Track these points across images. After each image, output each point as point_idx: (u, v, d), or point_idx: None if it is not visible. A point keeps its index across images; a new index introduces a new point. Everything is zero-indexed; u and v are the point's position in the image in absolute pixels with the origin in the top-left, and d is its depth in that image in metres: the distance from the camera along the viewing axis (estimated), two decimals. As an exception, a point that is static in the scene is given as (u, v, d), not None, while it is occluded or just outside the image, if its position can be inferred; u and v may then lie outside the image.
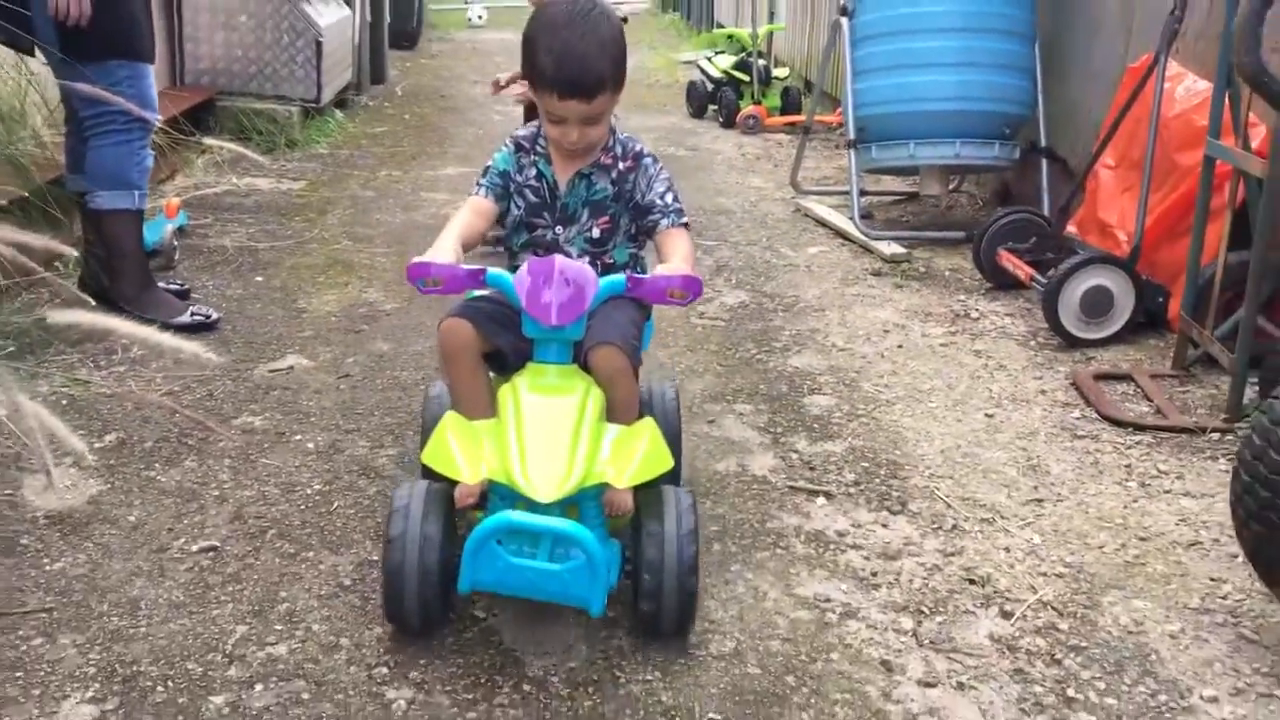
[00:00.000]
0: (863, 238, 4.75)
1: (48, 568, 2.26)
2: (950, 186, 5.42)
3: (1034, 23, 4.76)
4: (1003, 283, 4.18)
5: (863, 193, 5.46)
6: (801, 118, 6.84)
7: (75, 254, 2.97)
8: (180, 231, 4.57)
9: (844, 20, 4.92)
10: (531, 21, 2.19)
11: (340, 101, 7.72)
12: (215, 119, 6.45)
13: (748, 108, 7.64)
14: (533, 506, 1.91)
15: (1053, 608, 2.21)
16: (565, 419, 1.98)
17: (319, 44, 6.70)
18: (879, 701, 1.93)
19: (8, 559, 2.28)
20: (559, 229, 2.30)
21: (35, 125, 4.20)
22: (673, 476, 2.15)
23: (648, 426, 2.08)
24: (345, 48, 7.68)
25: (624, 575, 2.04)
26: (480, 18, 16.40)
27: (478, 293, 2.17)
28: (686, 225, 2.28)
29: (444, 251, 2.08)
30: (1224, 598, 2.23)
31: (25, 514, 2.46)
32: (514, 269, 2.18)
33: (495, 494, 2.02)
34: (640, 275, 2.08)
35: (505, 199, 2.30)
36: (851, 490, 2.68)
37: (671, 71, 10.12)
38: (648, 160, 2.30)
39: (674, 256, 2.19)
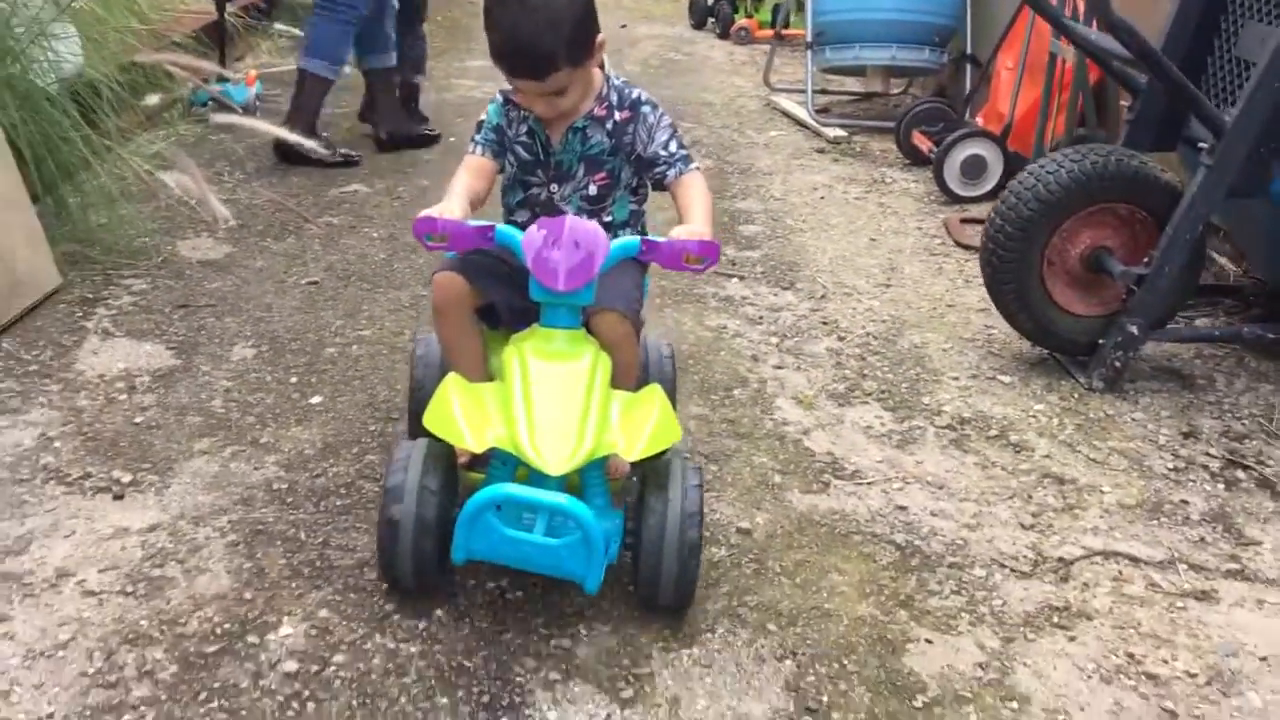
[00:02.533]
0: (813, 123, 5.81)
1: (207, 286, 3.39)
2: (899, 90, 6.45)
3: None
4: (917, 159, 5.24)
5: (825, 92, 6.53)
6: (789, 31, 7.84)
7: (229, 74, 4.10)
8: (259, 98, 5.66)
9: (806, -60, 5.94)
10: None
11: (381, 2, 8.73)
12: (274, 10, 7.48)
13: (741, 20, 8.64)
14: (538, 477, 1.86)
15: (872, 336, 3.33)
16: (575, 387, 1.91)
17: (367, -53, 7.70)
18: (744, 373, 3.06)
19: (180, 281, 3.41)
20: (554, 186, 2.19)
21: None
22: None
23: (656, 395, 2.01)
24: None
25: (624, 547, 1.99)
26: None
27: None
28: (697, 168, 2.18)
29: (452, 207, 2.00)
30: (989, 334, 3.35)
31: (185, 260, 3.58)
32: (513, 225, 2.14)
33: (496, 458, 1.96)
34: (655, 239, 1.99)
35: (503, 155, 2.20)
36: (758, 275, 3.80)
37: (681, -12, 11.07)
38: (646, 109, 2.17)
39: (693, 211, 2.09)
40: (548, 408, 1.88)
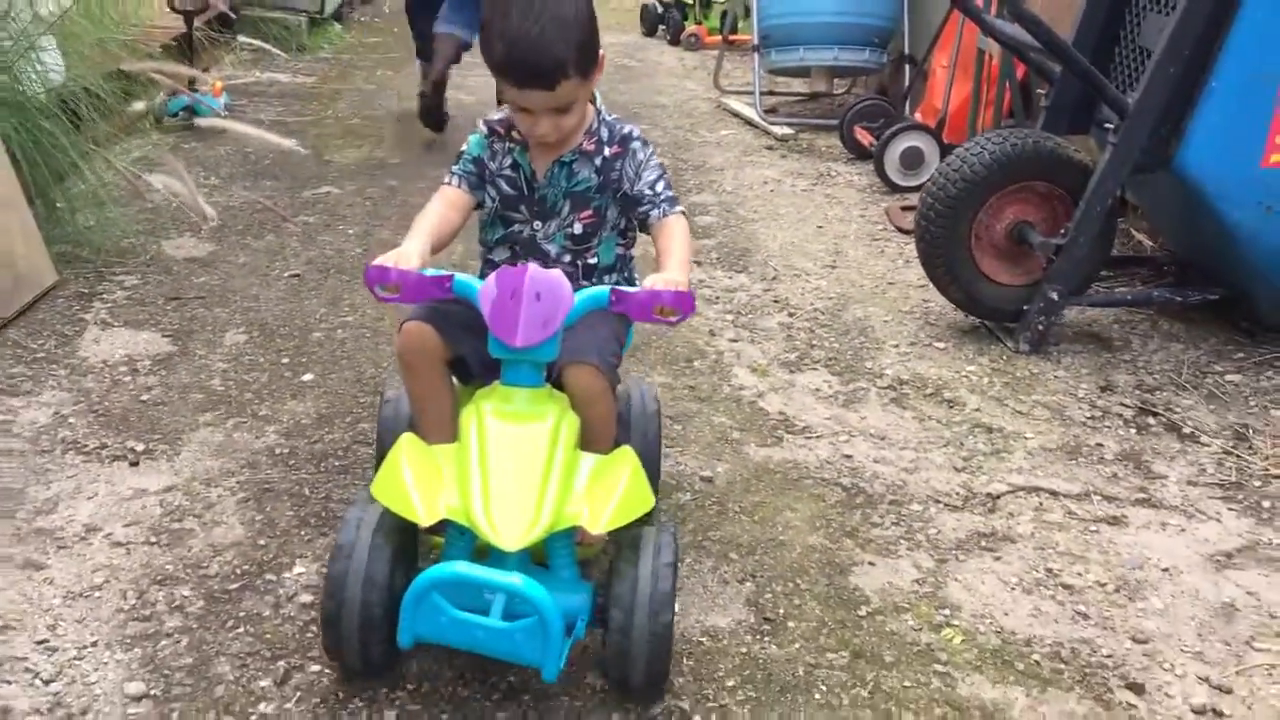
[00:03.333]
0: (762, 122, 6.09)
1: (195, 280, 3.60)
2: (843, 90, 6.76)
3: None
4: (859, 153, 5.53)
5: (773, 93, 6.83)
6: (736, 36, 8.14)
7: (209, 79, 4.30)
8: (226, 107, 5.85)
9: (753, -50, 6.23)
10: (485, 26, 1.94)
11: (338, 16, 8.92)
12: (238, 26, 7.67)
13: (690, 27, 8.93)
14: (498, 550, 1.72)
15: (819, 311, 3.60)
16: (535, 452, 1.78)
17: (323, -37, 7.92)
18: (703, 346, 3.31)
19: (168, 276, 3.61)
20: (536, 224, 2.10)
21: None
22: (651, 473, 2.05)
23: (627, 459, 1.87)
24: (343, -33, 8.88)
25: (594, 621, 1.83)
26: (457, -53, 17.46)
27: None
28: (683, 213, 2.09)
29: (409, 254, 1.87)
30: (926, 307, 3.63)
31: (171, 258, 3.78)
32: (489, 265, 2.10)
33: (453, 527, 1.81)
34: (626, 290, 1.87)
35: (481, 188, 2.10)
36: (713, 261, 4.06)
37: (632, -2, 11.36)
38: (636, 144, 2.08)
39: (671, 257, 1.99)
40: (504, 475, 1.74)
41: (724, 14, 9.25)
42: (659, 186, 2.07)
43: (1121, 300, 3.42)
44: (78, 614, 2.02)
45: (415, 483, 1.77)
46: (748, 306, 3.64)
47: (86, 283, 3.49)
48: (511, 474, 1.75)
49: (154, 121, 5.28)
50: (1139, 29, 3.22)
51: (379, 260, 1.84)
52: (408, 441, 1.85)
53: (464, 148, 2.12)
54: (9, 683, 1.85)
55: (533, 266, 1.84)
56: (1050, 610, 2.17)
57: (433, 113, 5.42)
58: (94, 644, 1.95)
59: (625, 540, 1.84)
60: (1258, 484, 2.64)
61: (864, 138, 5.37)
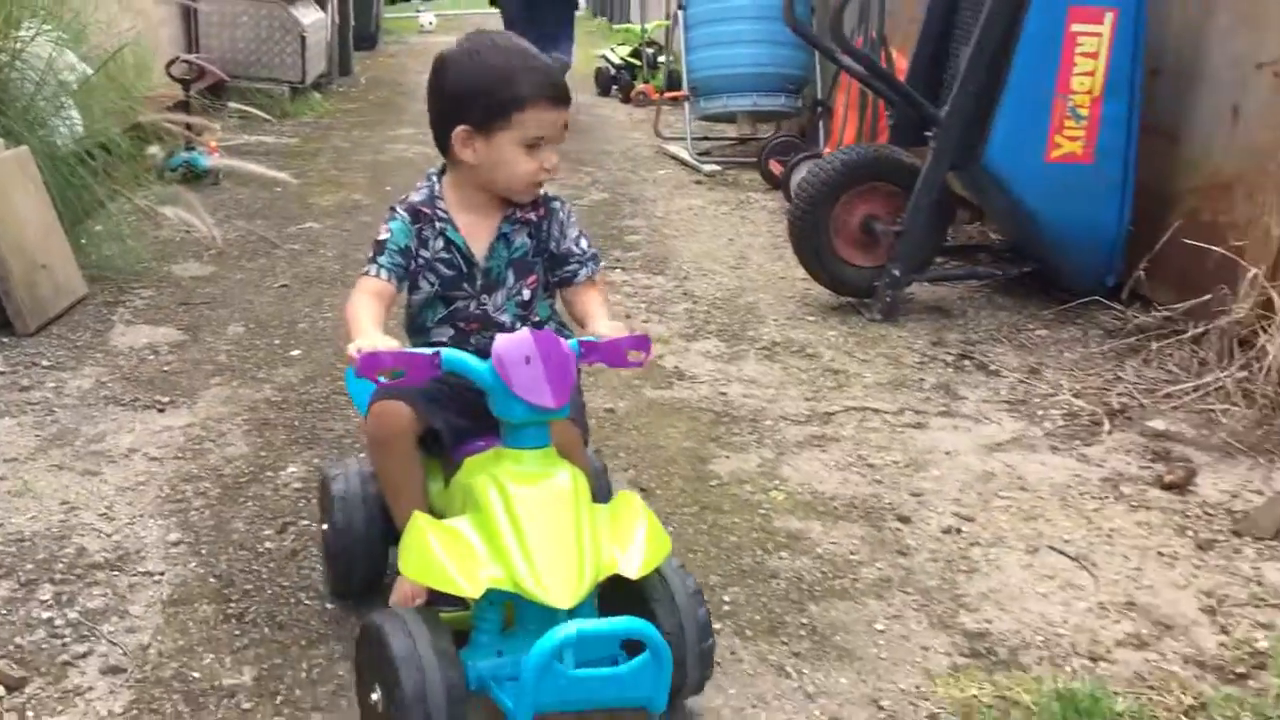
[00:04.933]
0: (693, 161, 6.92)
1: (201, 291, 4.34)
2: (769, 134, 7.60)
3: (810, 10, 6.93)
4: (774, 183, 6.34)
5: (707, 138, 7.66)
6: (680, 93, 9.01)
7: (206, 138, 5.09)
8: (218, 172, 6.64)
9: (680, 12, 7.10)
10: (455, 67, 2.04)
11: (317, 86, 9.77)
12: (227, 94, 8.50)
13: (640, 86, 9.81)
14: (545, 612, 1.73)
15: (718, 299, 4.36)
16: (565, 509, 1.79)
17: (303, 38, 8.77)
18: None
19: (179, 289, 4.36)
20: (484, 298, 2.11)
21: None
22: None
23: (636, 504, 1.92)
24: (322, 42, 9.75)
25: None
26: (431, 23, 18.50)
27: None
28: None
29: (382, 338, 1.87)
30: (806, 293, 4.38)
31: (180, 277, 4.53)
32: (429, 346, 1.95)
33: (485, 600, 1.79)
34: (592, 340, 1.94)
35: (406, 279, 2.09)
36: (636, 267, 4.83)
37: (589, 63, 12.23)
38: (556, 204, 2.15)
39: (603, 309, 2.08)
40: (542, 536, 1.75)
41: (670, 72, 10.17)
42: (583, 243, 2.16)
43: (953, 275, 4.20)
44: (127, 499, 2.74)
45: (449, 557, 1.76)
46: (660, 298, 4.40)
47: (111, 294, 4.23)
48: (548, 534, 1.75)
49: (157, 175, 6.06)
50: (954, 58, 4.03)
51: (362, 349, 1.82)
52: (423, 519, 1.86)
53: (383, 236, 2.08)
54: (82, 535, 2.56)
55: (529, 330, 1.88)
56: (854, 479, 2.91)
57: None
58: (140, 515, 2.66)
59: (645, 582, 1.86)
60: (1036, 400, 3.39)
61: (776, 168, 6.18)
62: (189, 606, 2.30)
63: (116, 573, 2.42)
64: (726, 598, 2.36)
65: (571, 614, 1.74)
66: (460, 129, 2.02)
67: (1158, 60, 3.82)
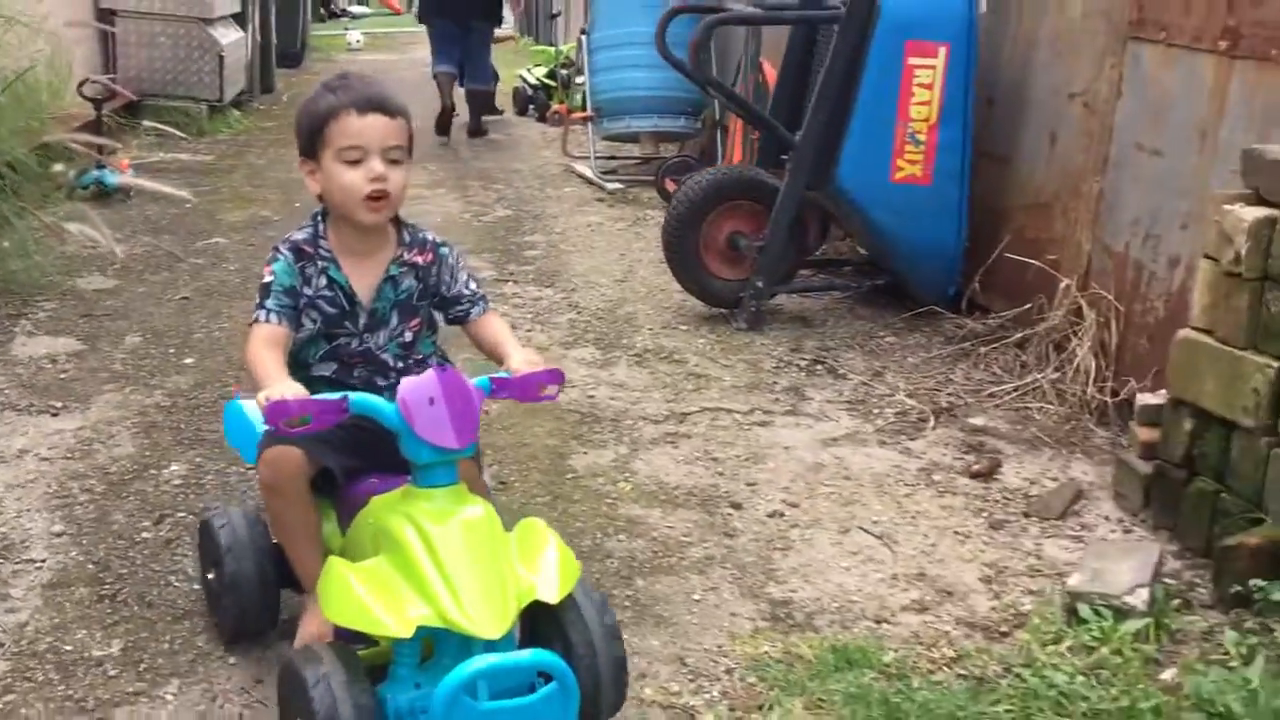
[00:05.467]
0: (597, 180, 7.20)
1: (103, 304, 4.52)
2: (676, 152, 7.91)
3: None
4: (669, 200, 6.62)
5: (614, 158, 7.94)
6: (586, 114, 9.30)
7: (118, 154, 5.26)
8: (128, 188, 6.79)
9: (583, 37, 7.39)
10: (307, 100, 2.14)
11: (237, 103, 9.92)
12: (143, 112, 8.63)
13: (555, 106, 10.09)
14: (463, 643, 1.81)
15: (601, 310, 4.63)
16: (483, 544, 1.86)
17: (221, 58, 8.92)
18: (502, 335, 4.31)
19: (82, 302, 4.53)
20: (367, 336, 2.17)
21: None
22: None
23: (543, 529, 1.99)
24: (241, 61, 9.90)
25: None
26: (358, 42, 18.58)
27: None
28: (493, 306, 2.28)
29: (287, 384, 1.92)
30: (683, 305, 4.66)
31: (84, 290, 4.71)
32: (318, 381, 2.12)
33: (400, 641, 1.86)
34: (504, 376, 2.01)
35: (296, 319, 2.12)
36: (529, 280, 5.08)
37: (512, 81, 12.53)
38: (445, 250, 2.22)
39: (510, 342, 2.16)
40: (464, 571, 1.80)
41: (583, 93, 10.47)
42: (472, 285, 2.25)
43: (813, 287, 4.52)
44: (16, 495, 2.93)
45: (374, 599, 1.81)
46: (546, 309, 4.66)
47: (15, 307, 4.40)
48: (469, 568, 1.81)
49: (68, 193, 6.21)
50: (811, 89, 4.35)
51: (269, 398, 1.86)
52: (341, 563, 1.90)
53: (268, 279, 2.12)
54: (-29, 528, 2.76)
55: (435, 370, 1.93)
56: (698, 471, 3.18)
57: (442, 125, 8.74)
58: (27, 510, 2.86)
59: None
60: (873, 400, 3.70)
61: (670, 187, 6.46)
62: (66, 589, 2.51)
63: (1, 561, 2.62)
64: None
65: (491, 645, 1.80)
66: (301, 162, 2.15)
67: (993, 90, 4.16)
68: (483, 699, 1.77)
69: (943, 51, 3.91)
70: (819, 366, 4.00)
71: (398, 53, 17.10)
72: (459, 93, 9.06)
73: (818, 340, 4.25)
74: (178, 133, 7.63)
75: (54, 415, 3.44)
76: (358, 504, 2.07)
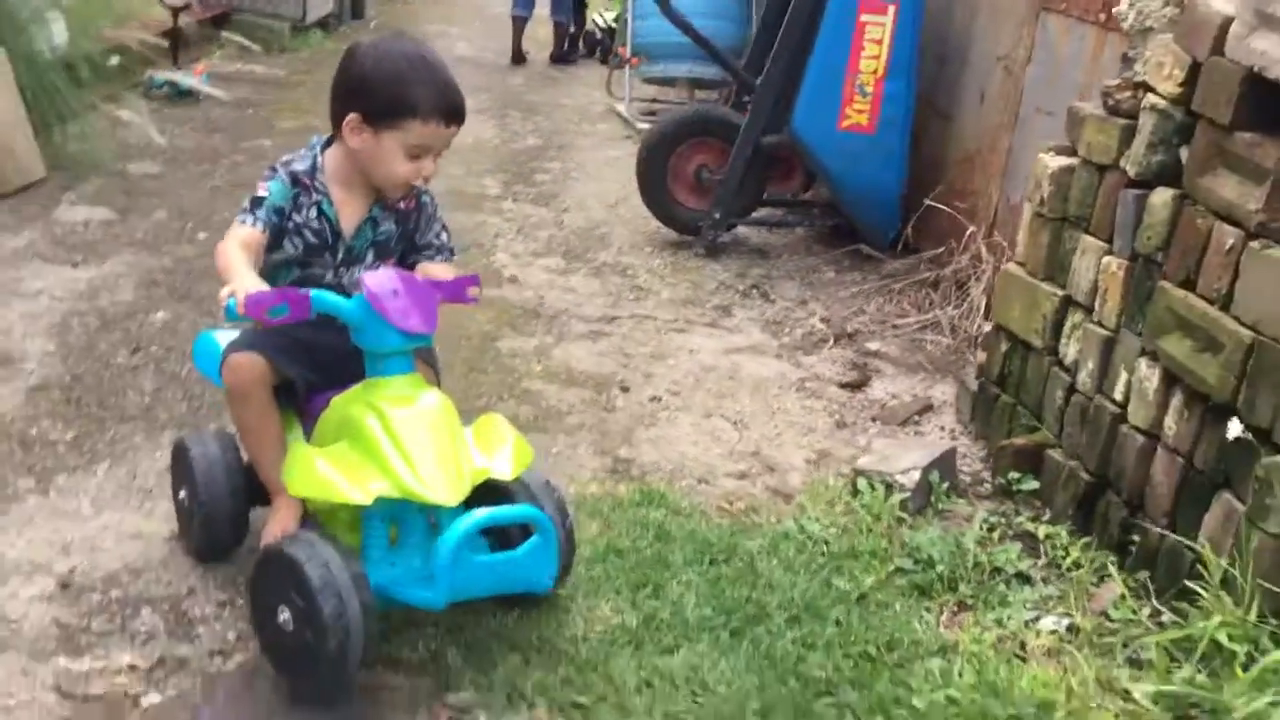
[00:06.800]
0: (629, 118, 7.61)
1: (143, 185, 5.10)
2: (716, 97, 8.28)
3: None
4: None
5: (655, 100, 8.33)
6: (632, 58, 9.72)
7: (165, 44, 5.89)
8: (204, 85, 7.41)
9: (631, -18, 7.79)
10: (370, 60, 2.14)
11: (323, 24, 10.52)
12: (231, 25, 9.27)
13: (617, 49, 10.49)
14: (426, 525, 1.99)
15: (581, 229, 5.06)
16: (441, 422, 1.99)
17: (306, -22, 9.52)
18: (487, 243, 4.77)
19: (125, 180, 5.12)
20: (341, 270, 2.24)
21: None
22: None
23: (500, 421, 2.17)
24: (328, -15, 10.50)
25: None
26: (460, -23, 19.18)
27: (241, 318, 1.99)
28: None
29: (253, 280, 1.99)
30: (658, 230, 5.07)
31: (130, 173, 5.30)
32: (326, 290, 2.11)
33: (373, 519, 2.03)
34: (439, 280, 2.14)
35: (276, 236, 2.19)
36: (529, 200, 5.54)
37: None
38: (426, 199, 2.29)
39: (436, 269, 2.24)
40: (420, 447, 1.93)
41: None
42: (444, 236, 2.34)
43: (765, 221, 4.91)
44: (25, 322, 3.50)
45: (338, 473, 1.94)
46: (534, 225, 5.12)
47: (66, 181, 4.99)
48: (426, 444, 1.94)
49: (145, 91, 6.84)
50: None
51: (246, 292, 1.93)
52: (306, 446, 2.08)
53: (261, 194, 2.19)
54: (-18, 342, 3.33)
55: (393, 268, 2.11)
56: (606, 363, 3.63)
57: (516, 55, 9.78)
58: (31, 333, 3.43)
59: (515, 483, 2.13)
60: (790, 322, 4.10)
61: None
62: (44, 391, 3.08)
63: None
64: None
65: (450, 517, 1.95)
66: (353, 116, 2.12)
67: (944, 49, 4.48)
68: (480, 554, 1.99)
69: (892, 9, 4.24)
70: (754, 291, 4.39)
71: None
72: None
73: (763, 270, 4.64)
74: (254, 46, 8.24)
75: (74, 267, 4.01)
76: (320, 414, 2.18)
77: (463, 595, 1.99)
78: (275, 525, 2.20)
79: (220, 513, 2.31)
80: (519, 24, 9.80)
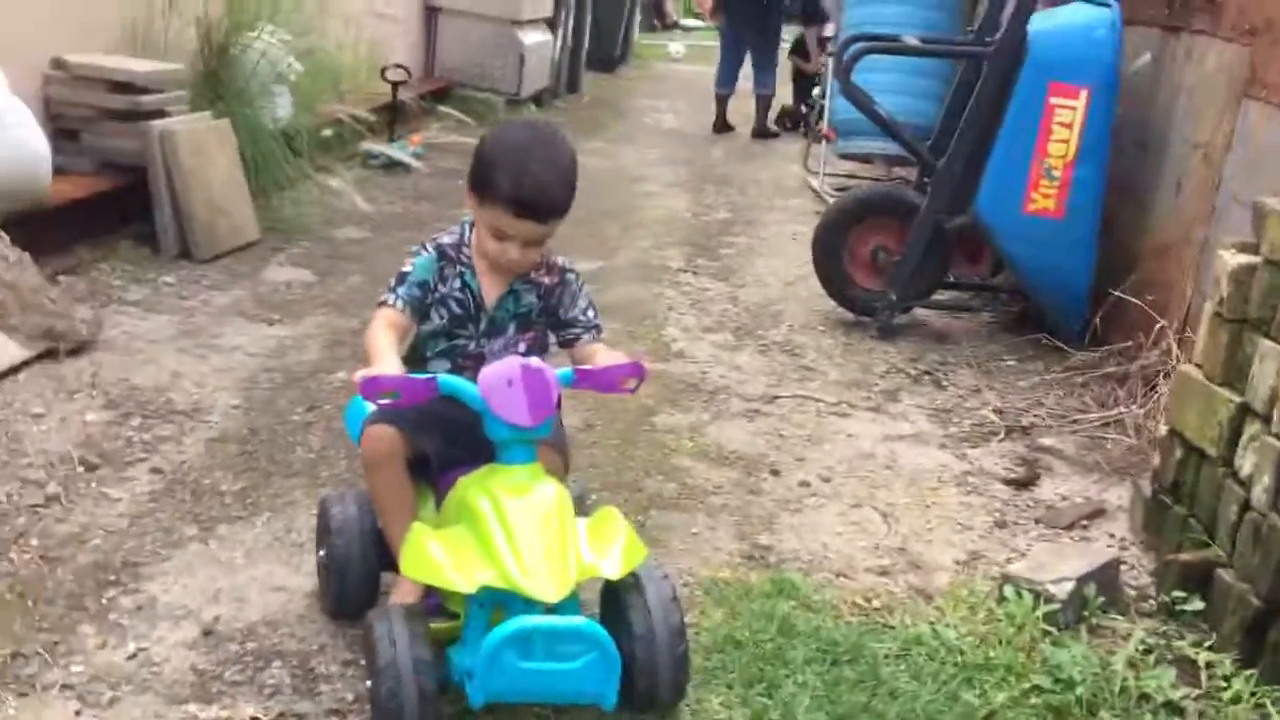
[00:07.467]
0: (822, 193, 7.58)
1: (347, 250, 5.41)
2: (902, 172, 8.16)
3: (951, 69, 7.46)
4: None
5: (853, 175, 8.28)
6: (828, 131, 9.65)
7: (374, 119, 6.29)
8: (419, 155, 7.83)
9: (828, 58, 7.77)
10: (488, 137, 2.25)
11: (537, 99, 10.96)
12: (450, 99, 9.79)
13: (817, 125, 10.50)
14: (531, 607, 1.94)
15: (756, 305, 5.05)
16: (552, 516, 2.02)
17: (521, 56, 9.96)
18: (660, 315, 4.82)
19: (331, 245, 5.44)
20: (484, 340, 2.31)
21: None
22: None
23: (616, 516, 2.16)
24: (544, 62, 10.94)
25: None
26: (679, 52, 19.60)
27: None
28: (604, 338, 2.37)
29: (391, 363, 2.11)
30: (830, 310, 4.99)
31: (336, 237, 5.63)
32: (455, 375, 2.19)
33: (474, 602, 2.03)
34: (587, 369, 2.17)
35: (420, 311, 2.28)
36: (709, 274, 5.57)
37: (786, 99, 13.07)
38: (571, 275, 2.35)
39: (599, 354, 2.27)
40: (531, 540, 1.97)
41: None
42: (590, 313, 2.37)
43: (944, 305, 4.75)
44: (219, 376, 3.75)
45: (446, 558, 2.00)
46: (708, 299, 5.14)
47: (278, 243, 5.36)
48: (537, 537, 1.98)
49: (361, 163, 7.29)
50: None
51: (366, 374, 2.07)
52: (423, 528, 2.10)
53: (407, 269, 2.31)
54: (175, 392, 3.58)
55: (518, 356, 2.14)
56: (759, 443, 3.58)
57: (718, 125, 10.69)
58: (222, 388, 3.66)
59: (623, 583, 2.11)
60: (960, 411, 3.94)
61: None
62: (222, 444, 3.27)
63: (186, 418, 3.42)
64: (594, 497, 3.12)
65: (553, 612, 1.95)
66: (469, 188, 2.28)
67: (1145, 135, 4.26)
68: (534, 659, 1.92)
69: (1084, 94, 4.08)
70: (926, 377, 4.26)
71: (714, 64, 18.02)
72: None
73: (939, 355, 4.50)
74: (468, 119, 8.65)
75: (270, 325, 4.28)
76: (450, 489, 2.23)
77: (507, 698, 1.99)
78: (395, 597, 2.25)
79: (353, 573, 2.37)
80: (722, 100, 10.61)
